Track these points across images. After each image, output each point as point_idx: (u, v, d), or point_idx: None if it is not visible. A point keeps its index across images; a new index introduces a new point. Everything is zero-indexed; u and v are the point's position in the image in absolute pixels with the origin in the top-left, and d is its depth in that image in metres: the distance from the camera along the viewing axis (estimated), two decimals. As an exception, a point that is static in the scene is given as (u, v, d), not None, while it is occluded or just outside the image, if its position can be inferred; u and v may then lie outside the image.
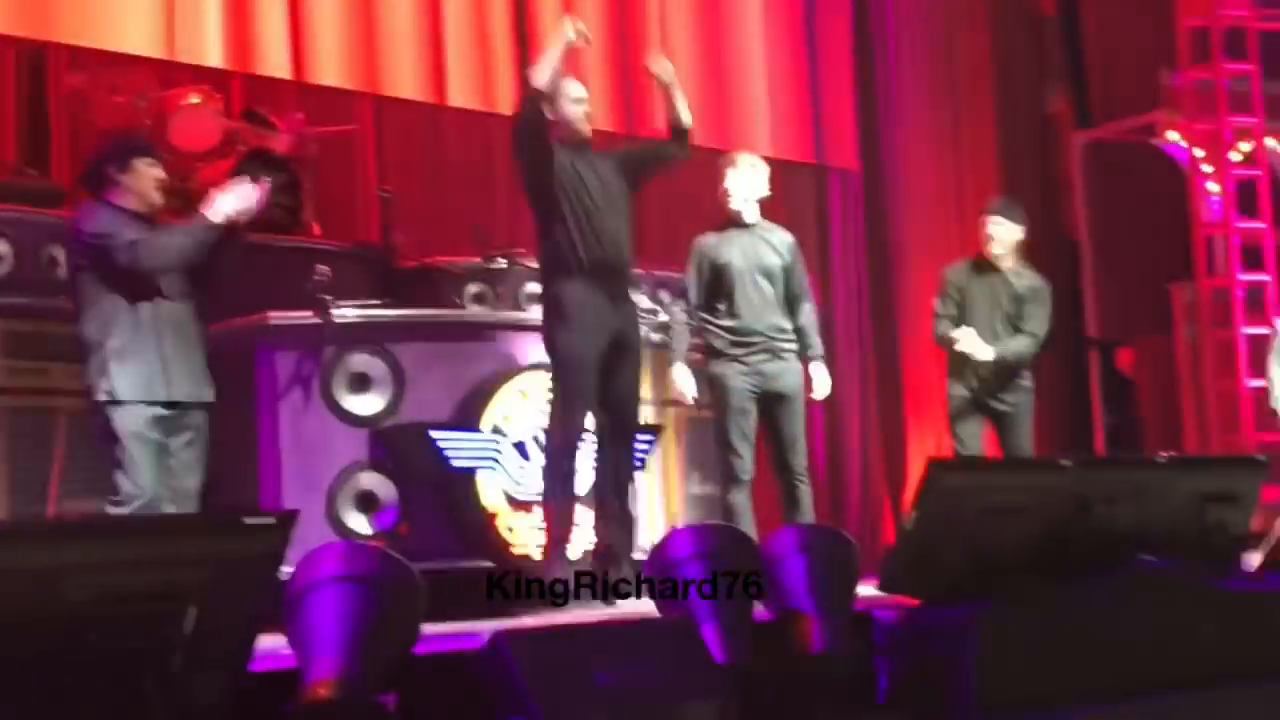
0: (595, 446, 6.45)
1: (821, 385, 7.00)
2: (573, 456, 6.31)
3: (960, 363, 7.54)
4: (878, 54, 11.85)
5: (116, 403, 5.64)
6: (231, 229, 5.87)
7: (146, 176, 5.85)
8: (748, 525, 6.62)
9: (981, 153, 12.39)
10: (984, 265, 7.65)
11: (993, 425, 7.65)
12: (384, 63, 8.78)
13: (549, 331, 6.33)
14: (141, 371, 5.67)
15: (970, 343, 7.43)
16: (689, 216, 7.68)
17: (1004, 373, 7.47)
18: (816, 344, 7.01)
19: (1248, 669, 4.82)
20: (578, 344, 6.23)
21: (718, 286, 6.92)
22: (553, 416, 6.32)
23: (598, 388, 6.31)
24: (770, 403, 6.87)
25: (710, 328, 6.95)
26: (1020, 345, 7.51)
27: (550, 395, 6.41)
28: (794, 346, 6.96)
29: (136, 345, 5.67)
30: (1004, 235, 7.64)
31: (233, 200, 5.83)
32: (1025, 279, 7.67)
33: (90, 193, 5.94)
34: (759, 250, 6.96)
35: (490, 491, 7.03)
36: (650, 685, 3.57)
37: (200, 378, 5.87)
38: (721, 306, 6.91)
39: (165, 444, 5.72)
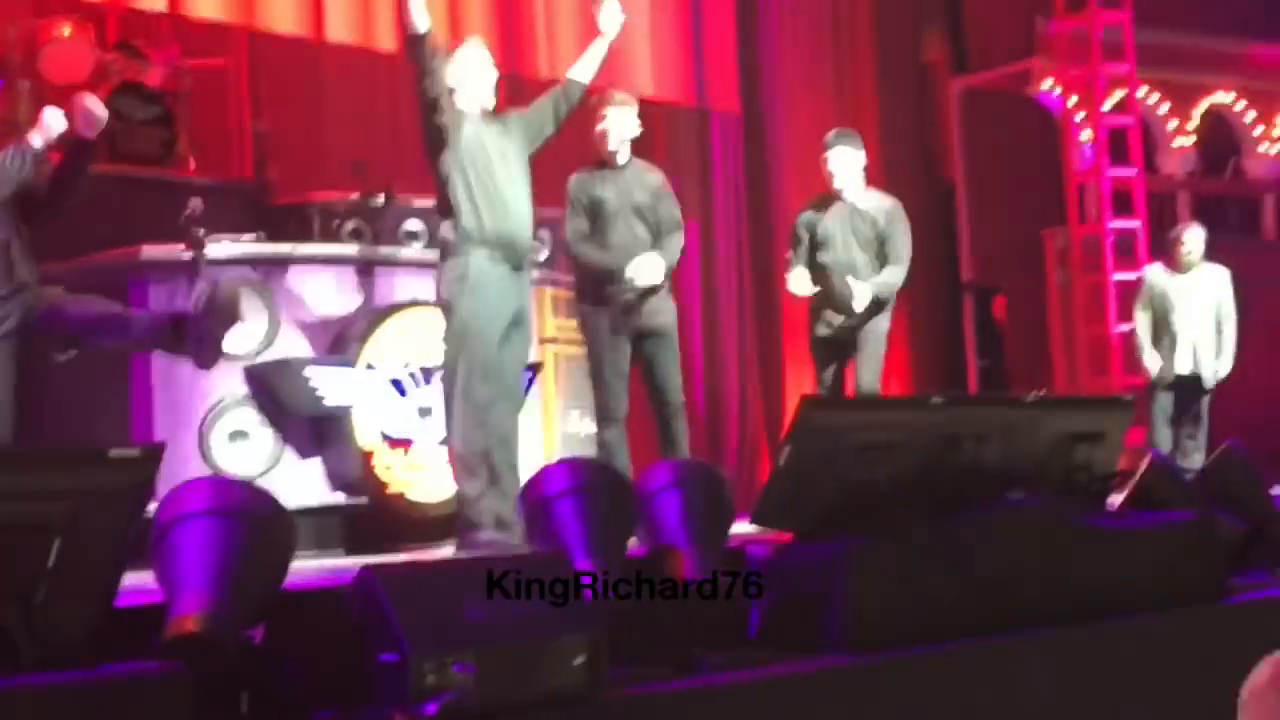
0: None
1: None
2: (481, 429, 6.18)
3: (821, 305, 7.50)
4: (759, 1, 11.86)
5: None
6: (75, 152, 5.77)
7: None
8: (623, 462, 6.61)
9: (860, 97, 12.45)
10: (831, 200, 7.56)
11: (850, 355, 7.58)
12: (260, -4, 8.65)
13: (453, 300, 6.18)
14: None
15: (860, 295, 7.32)
16: (568, 155, 7.62)
17: (872, 306, 7.42)
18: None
19: (1112, 604, 4.91)
20: (481, 315, 6.14)
21: (592, 225, 6.88)
22: (454, 386, 6.16)
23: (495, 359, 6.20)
24: (644, 339, 6.86)
25: (583, 265, 6.91)
26: (891, 276, 7.46)
27: (447, 360, 6.24)
28: (666, 284, 6.94)
29: None
30: (845, 164, 7.52)
31: (54, 120, 5.74)
32: (875, 203, 7.59)
33: None
34: (632, 189, 6.93)
35: (366, 429, 7.00)
36: (521, 620, 3.58)
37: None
38: (595, 244, 6.87)
39: None
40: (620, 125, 6.94)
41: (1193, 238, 9.63)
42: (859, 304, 7.30)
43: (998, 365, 12.76)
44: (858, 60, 12.54)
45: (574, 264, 7.03)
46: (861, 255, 7.45)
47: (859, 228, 7.47)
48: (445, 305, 6.20)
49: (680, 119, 11.31)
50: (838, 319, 7.44)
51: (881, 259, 7.48)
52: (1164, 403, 9.56)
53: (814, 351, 7.63)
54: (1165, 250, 9.86)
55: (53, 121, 5.72)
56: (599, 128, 6.94)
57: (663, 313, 6.91)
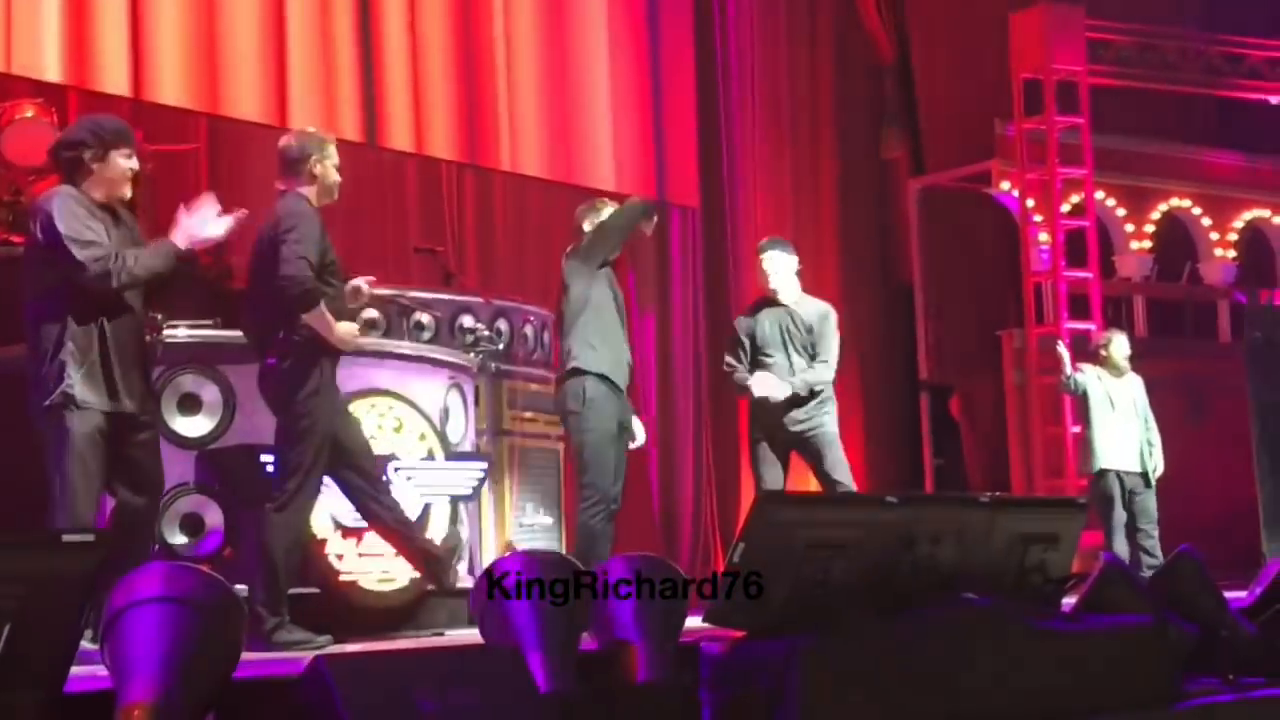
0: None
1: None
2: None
3: (758, 407, 7.63)
4: (720, 95, 11.99)
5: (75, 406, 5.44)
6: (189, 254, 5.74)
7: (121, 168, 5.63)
8: (607, 550, 6.63)
9: (820, 195, 12.57)
10: (767, 303, 7.77)
11: (802, 457, 7.67)
12: (225, 83, 8.70)
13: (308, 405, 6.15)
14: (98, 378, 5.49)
15: (764, 386, 7.51)
16: (538, 248, 7.68)
17: (802, 402, 7.56)
18: None
19: (1064, 706, 4.91)
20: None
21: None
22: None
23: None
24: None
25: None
26: (816, 374, 7.62)
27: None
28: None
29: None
30: (779, 266, 7.75)
31: (202, 228, 5.67)
32: (809, 306, 7.79)
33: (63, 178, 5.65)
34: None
35: (318, 516, 6.95)
36: (473, 713, 3.55)
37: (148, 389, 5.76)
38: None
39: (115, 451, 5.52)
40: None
41: (1119, 344, 9.82)
42: (758, 390, 7.43)
43: (954, 464, 12.80)
44: (818, 157, 12.67)
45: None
46: (797, 358, 7.59)
47: (793, 330, 7.63)
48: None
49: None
50: (770, 419, 7.55)
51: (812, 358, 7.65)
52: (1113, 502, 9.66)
53: (752, 450, 7.70)
54: (1091, 355, 10.07)
55: (194, 230, 5.64)
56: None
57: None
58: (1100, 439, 9.64)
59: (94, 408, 5.41)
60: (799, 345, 7.64)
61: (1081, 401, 9.81)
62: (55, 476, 5.39)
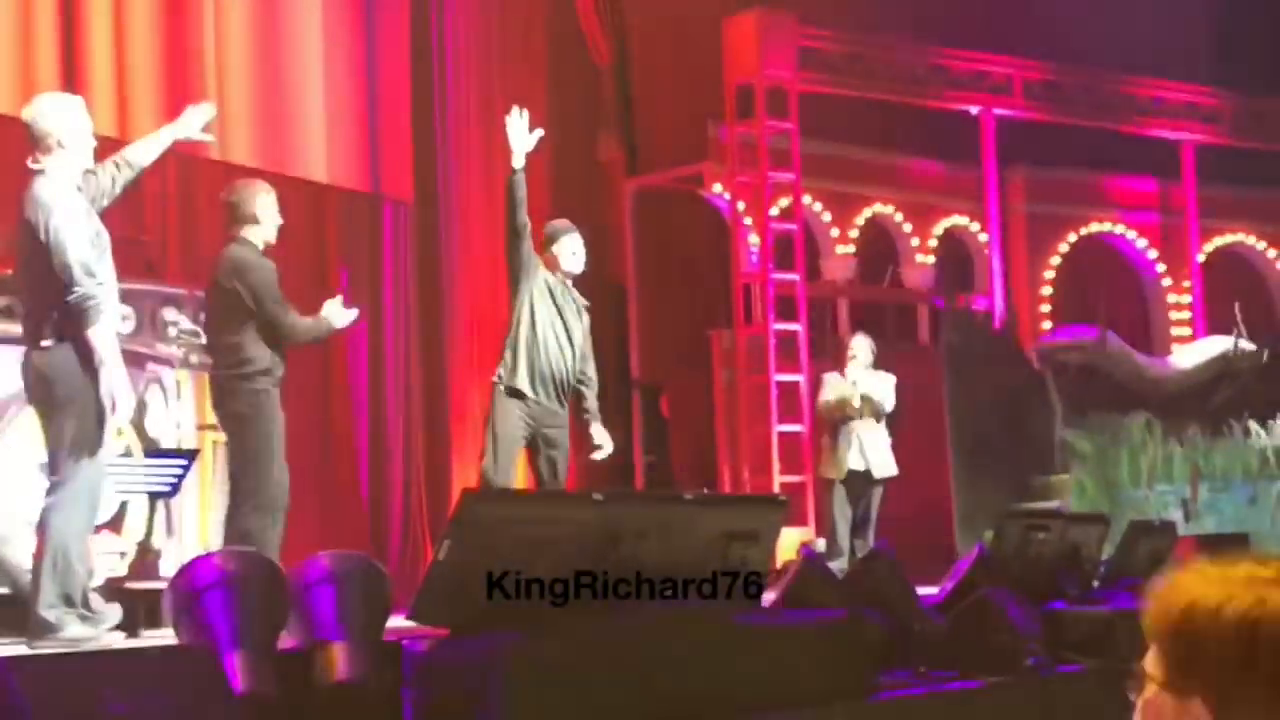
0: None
1: None
2: None
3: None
4: (435, 91, 11.92)
5: None
6: None
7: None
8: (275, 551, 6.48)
9: (534, 194, 12.54)
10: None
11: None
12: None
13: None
14: None
15: None
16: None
17: None
18: None
19: (764, 699, 4.99)
20: None
21: None
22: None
23: None
24: None
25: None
26: None
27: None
28: None
29: None
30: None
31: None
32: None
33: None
34: None
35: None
36: (165, 715, 3.46)
37: None
38: None
39: None
40: None
41: (860, 345, 10.12)
42: None
43: (663, 462, 12.96)
44: (532, 156, 12.66)
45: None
46: None
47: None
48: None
49: (353, 205, 11.24)
50: None
51: None
52: (841, 500, 9.99)
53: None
54: (832, 356, 10.36)
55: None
56: None
57: None
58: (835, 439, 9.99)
59: None
60: None
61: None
62: None
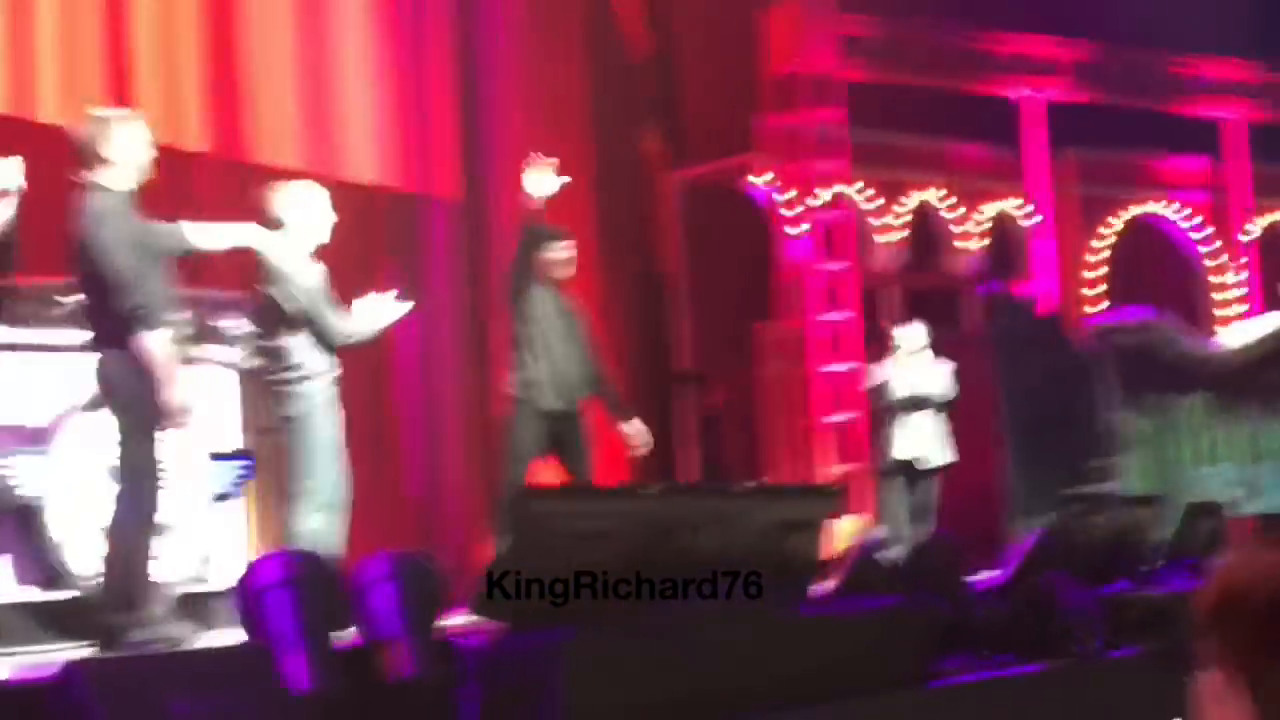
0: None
1: None
2: None
3: None
4: (481, 89, 11.93)
5: None
6: None
7: None
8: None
9: (578, 188, 12.55)
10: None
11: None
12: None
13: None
14: None
15: None
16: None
17: None
18: None
19: (822, 689, 5.00)
20: None
21: None
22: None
23: None
24: None
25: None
26: None
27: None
28: None
29: None
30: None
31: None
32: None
33: None
34: None
35: (62, 520, 6.79)
36: (227, 714, 3.50)
37: None
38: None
39: None
40: None
41: (911, 334, 10.13)
42: None
43: (711, 455, 12.94)
44: (576, 151, 12.65)
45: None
46: None
47: None
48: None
49: (401, 205, 11.28)
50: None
51: None
52: (898, 489, 10.03)
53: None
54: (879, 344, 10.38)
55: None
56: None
57: None
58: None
59: None
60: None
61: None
62: None
